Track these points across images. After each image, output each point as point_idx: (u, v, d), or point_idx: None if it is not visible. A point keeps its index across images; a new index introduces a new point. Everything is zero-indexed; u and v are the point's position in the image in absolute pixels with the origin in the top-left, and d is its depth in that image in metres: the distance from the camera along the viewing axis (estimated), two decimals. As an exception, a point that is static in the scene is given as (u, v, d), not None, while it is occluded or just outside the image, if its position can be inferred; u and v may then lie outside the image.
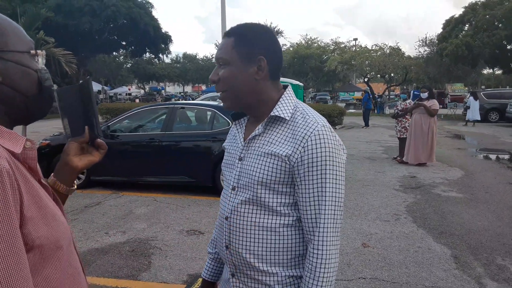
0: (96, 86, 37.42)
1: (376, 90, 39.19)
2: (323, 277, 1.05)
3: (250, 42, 1.13)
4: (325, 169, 1.05)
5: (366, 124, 18.10)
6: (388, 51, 31.49)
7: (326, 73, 36.48)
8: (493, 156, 9.95)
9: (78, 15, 24.62)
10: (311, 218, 1.08)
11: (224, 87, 1.15)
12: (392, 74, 35.83)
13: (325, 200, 1.06)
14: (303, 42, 40.28)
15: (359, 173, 7.58)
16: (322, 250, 1.05)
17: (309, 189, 1.07)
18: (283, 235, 1.12)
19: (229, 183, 1.22)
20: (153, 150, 5.92)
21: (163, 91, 54.32)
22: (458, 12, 29.38)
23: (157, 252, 3.84)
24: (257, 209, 1.14)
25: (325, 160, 1.05)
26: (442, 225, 4.66)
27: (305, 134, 1.07)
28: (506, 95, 20.40)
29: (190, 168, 5.78)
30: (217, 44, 34.90)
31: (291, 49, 39.56)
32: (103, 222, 4.70)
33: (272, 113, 1.13)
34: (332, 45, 37.71)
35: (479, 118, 18.41)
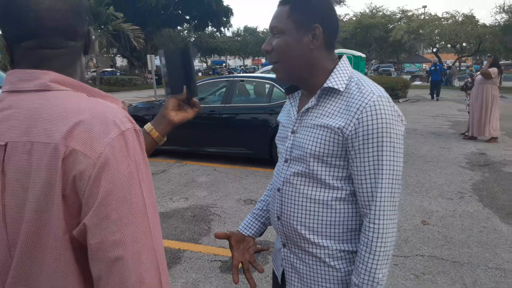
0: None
1: (446, 60, 36.54)
2: (380, 251, 1.02)
3: (306, 10, 1.09)
4: (382, 142, 1.01)
5: (432, 97, 17.14)
6: (460, 19, 29.06)
7: (391, 43, 34.54)
8: None
9: (145, -11, 25.36)
10: (367, 192, 1.04)
11: (277, 57, 1.12)
12: (464, 44, 33.09)
13: (382, 174, 1.02)
14: (367, 11, 38.29)
15: (422, 148, 7.27)
16: (379, 224, 1.02)
17: (364, 162, 1.03)
18: (335, 209, 1.11)
19: (282, 156, 1.22)
20: (214, 122, 6.12)
21: (224, 64, 55.00)
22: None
23: (216, 219, 4.04)
24: (309, 182, 1.13)
25: (382, 132, 1.00)
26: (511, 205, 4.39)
27: (360, 105, 1.02)
28: None
29: (248, 140, 5.91)
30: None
31: (354, 19, 37.87)
32: (168, 189, 5.01)
33: (325, 85, 1.10)
34: (399, 13, 35.52)
35: None
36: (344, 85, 1.10)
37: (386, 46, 37.26)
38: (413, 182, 5.24)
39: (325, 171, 1.10)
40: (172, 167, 6.09)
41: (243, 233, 1.40)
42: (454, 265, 3.11)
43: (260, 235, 1.42)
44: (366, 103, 1.02)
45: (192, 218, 4.07)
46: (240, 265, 1.37)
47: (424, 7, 37.75)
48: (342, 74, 1.12)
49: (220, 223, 3.92)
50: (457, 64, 35.30)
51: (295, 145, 1.15)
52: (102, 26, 9.33)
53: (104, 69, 35.98)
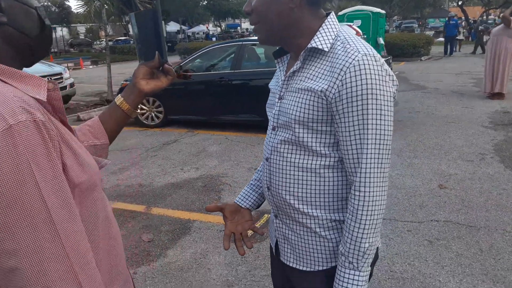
0: (174, 26, 38.23)
1: (472, 14, 34.68)
2: (366, 219, 0.97)
3: None
4: (367, 104, 0.93)
5: (445, 53, 16.57)
6: (490, -34, 27.18)
7: (414, -3, 32.88)
8: None
9: (154, -47, 24.66)
10: (353, 159, 0.98)
11: (257, 18, 1.05)
12: (493, -6, 31.15)
13: (368, 139, 0.94)
14: (388, -37, 36.26)
15: (443, 108, 6.98)
16: (365, 192, 0.97)
17: (349, 127, 0.96)
18: (324, 177, 1.05)
19: (270, 123, 1.17)
20: (223, 89, 5.99)
21: (238, 28, 53.81)
22: None
23: (226, 188, 4.01)
24: (296, 149, 1.07)
25: (367, 94, 0.92)
26: (536, 166, 4.18)
27: (343, 65, 0.94)
28: None
29: (259, 107, 5.76)
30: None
31: (373, -28, 35.98)
32: (179, 159, 4.99)
33: (309, 45, 1.01)
34: (422, -36, 33.52)
35: None
36: (329, 45, 1.00)
37: (407, 1, 35.48)
38: (432, 145, 5.05)
39: (311, 137, 1.03)
40: (183, 136, 6.06)
41: (240, 204, 1.36)
42: (470, 230, 3.00)
43: (258, 207, 1.37)
44: (350, 63, 0.93)
45: (203, 188, 4.05)
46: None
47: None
48: (328, 33, 1.02)
49: (230, 193, 3.89)
50: (484, 17, 33.40)
51: (281, 112, 1.09)
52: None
53: (118, 38, 35.85)
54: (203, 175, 4.39)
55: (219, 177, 4.32)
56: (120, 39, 34.57)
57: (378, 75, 0.93)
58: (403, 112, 6.89)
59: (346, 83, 0.93)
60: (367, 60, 0.93)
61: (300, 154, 1.07)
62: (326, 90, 0.96)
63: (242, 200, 1.37)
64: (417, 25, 36.76)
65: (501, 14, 7.40)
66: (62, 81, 8.89)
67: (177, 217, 3.43)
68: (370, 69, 0.92)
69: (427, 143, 5.13)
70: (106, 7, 10.57)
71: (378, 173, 0.97)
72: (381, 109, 0.94)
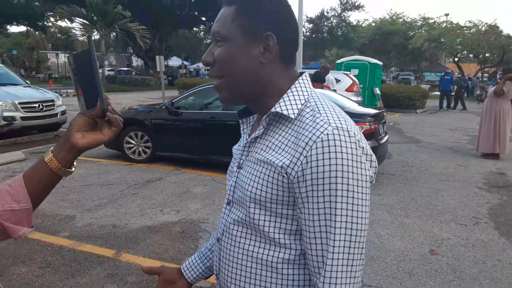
0: (176, 61, 38.90)
1: (468, 70, 35.68)
2: None
3: (256, 13, 0.84)
4: (335, 189, 0.75)
5: (440, 107, 16.90)
6: (483, 29, 28.29)
7: (411, 51, 33.91)
8: None
9: (160, -10, 25.49)
10: (316, 256, 0.78)
11: (220, 71, 0.88)
12: (487, 54, 32.22)
13: (335, 233, 0.76)
14: (387, 17, 37.75)
15: (437, 165, 6.86)
16: None
17: (312, 215, 0.77)
18: (282, 274, 0.85)
19: (226, 196, 0.98)
20: (214, 129, 5.86)
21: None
22: None
23: (205, 236, 3.76)
24: (251, 234, 0.88)
25: (335, 177, 0.75)
26: (532, 236, 3.98)
27: (310, 139, 0.77)
28: None
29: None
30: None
31: (373, 24, 37.32)
32: (160, 199, 4.75)
33: (273, 109, 0.85)
34: (420, 20, 34.90)
35: None
36: (296, 111, 0.84)
37: (406, 53, 36.60)
38: (425, 203, 4.87)
39: (269, 221, 0.84)
40: (169, 174, 5.84)
41: (184, 273, 1.13)
42: (462, 307, 2.76)
43: (205, 278, 1.14)
44: (318, 137, 0.76)
45: (180, 234, 3.79)
46: None
47: (446, 15, 37.00)
48: (297, 97, 0.86)
49: (208, 241, 3.63)
50: (479, 74, 34.39)
51: (238, 184, 0.91)
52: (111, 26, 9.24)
53: (120, 69, 36.31)
54: (183, 219, 4.14)
55: (199, 222, 4.08)
56: (122, 70, 35.04)
57: (351, 154, 0.76)
58: (396, 165, 6.76)
59: (311, 161, 0.76)
60: (338, 135, 0.76)
61: (255, 241, 0.87)
62: (288, 166, 0.79)
63: (187, 269, 1.13)
64: (413, 78, 37.67)
65: (495, 90, 7.46)
66: (53, 108, 8.76)
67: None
68: (341, 146, 0.75)
69: (420, 201, 4.95)
70: (107, 39, 10.66)
71: (347, 276, 0.77)
72: (352, 197, 0.76)
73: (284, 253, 0.84)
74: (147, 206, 4.52)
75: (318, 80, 8.41)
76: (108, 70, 34.35)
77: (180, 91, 18.29)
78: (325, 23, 35.11)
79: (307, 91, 0.88)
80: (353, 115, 5.55)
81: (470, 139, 9.61)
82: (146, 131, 6.36)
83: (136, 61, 44.38)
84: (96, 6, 7.91)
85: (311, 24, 35.07)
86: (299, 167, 0.77)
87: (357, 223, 0.76)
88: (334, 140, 0.75)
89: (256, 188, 0.84)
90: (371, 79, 14.49)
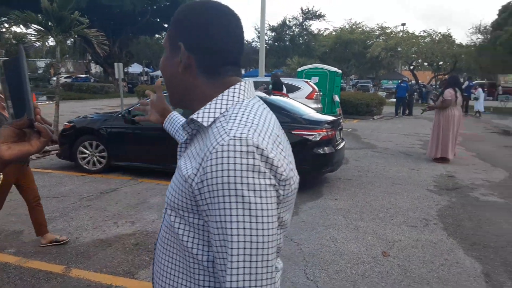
0: (137, 68, 38.19)
1: (423, 78, 37.31)
2: None
3: (174, 24, 0.91)
4: (229, 202, 0.74)
5: (396, 113, 17.65)
6: (437, 38, 29.74)
7: (369, 59, 35.04)
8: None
9: (121, -4, 24.97)
10: (221, 270, 0.77)
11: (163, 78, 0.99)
12: (440, 63, 33.87)
13: (232, 247, 0.74)
14: (346, 26, 38.86)
15: (391, 169, 7.10)
16: None
17: (213, 227, 0.77)
18: (199, 285, 0.84)
19: None
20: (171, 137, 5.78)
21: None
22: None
23: (160, 248, 3.69)
24: (174, 242, 0.88)
25: (228, 189, 0.73)
26: (476, 234, 4.19)
27: (208, 150, 0.77)
28: None
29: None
30: (256, 27, 34.44)
31: (333, 33, 38.32)
32: (115, 211, 4.62)
33: (190, 116, 0.87)
34: (378, 30, 36.17)
35: (483, 110, 18.99)
36: (211, 119, 0.84)
37: (364, 61, 37.77)
38: (378, 207, 5.02)
39: (184, 230, 0.84)
40: (125, 185, 5.70)
41: None
42: (411, 307, 2.85)
43: None
44: (214, 147, 0.76)
45: (134, 246, 3.70)
46: None
47: (403, 24, 38.65)
48: (218, 105, 0.87)
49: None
50: (433, 82, 36.02)
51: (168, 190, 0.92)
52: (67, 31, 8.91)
53: (78, 75, 35.19)
54: (138, 231, 4.04)
55: (155, 233, 3.99)
56: (80, 77, 33.96)
57: (246, 164, 0.74)
58: (352, 170, 6.94)
59: (206, 173, 0.75)
60: (234, 145, 0.75)
61: (177, 249, 0.88)
62: (189, 176, 0.79)
63: None
64: (372, 85, 38.93)
65: (436, 105, 7.97)
66: None
67: (98, 282, 3.05)
68: (235, 157, 0.74)
69: (374, 204, 5.10)
70: (62, 45, 10.31)
71: (250, 285, 0.75)
72: (249, 208, 0.74)
73: (201, 263, 0.84)
74: (100, 218, 4.38)
75: (277, 88, 8.50)
76: (65, 77, 33.17)
77: (140, 99, 17.92)
78: (287, 32, 35.69)
79: (232, 100, 0.87)
80: (311, 122, 5.67)
81: (422, 144, 10.03)
82: (101, 140, 6.18)
83: (95, 68, 43.16)
84: (52, 12, 7.61)
85: (274, 33, 35.53)
86: (198, 178, 0.77)
87: (256, 235, 0.74)
88: (228, 151, 0.74)
89: (172, 195, 0.85)
90: (330, 87, 14.85)
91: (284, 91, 9.75)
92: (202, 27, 0.87)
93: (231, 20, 0.90)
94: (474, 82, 24.71)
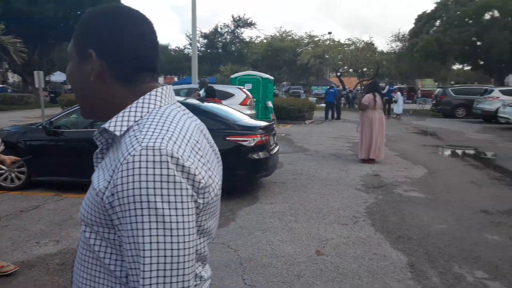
0: (60, 76, 35.97)
1: (349, 84, 39.44)
2: None
3: (83, 30, 0.87)
4: (141, 215, 0.70)
5: (326, 117, 18.55)
6: (361, 46, 31.66)
7: (300, 66, 36.37)
8: (457, 153, 10.00)
9: (42, 1, 23.39)
10: (133, 281, 0.73)
11: (71, 86, 0.97)
12: (364, 69, 36.10)
13: (144, 263, 0.70)
14: (277, 34, 39.99)
15: (323, 171, 7.38)
16: None
17: (125, 243, 0.74)
18: None
19: None
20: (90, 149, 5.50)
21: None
22: (431, 7, 30.13)
23: (89, 265, 3.47)
24: (88, 257, 0.84)
25: (140, 202, 0.70)
26: (401, 228, 4.49)
27: (119, 161, 0.74)
28: (473, 91, 20.77)
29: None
30: (188, 34, 34.20)
31: (265, 41, 39.22)
32: (37, 230, 4.27)
33: (102, 125, 0.83)
34: (306, 38, 37.67)
35: (401, 112, 20.56)
36: (125, 128, 0.81)
37: (295, 68, 39.12)
38: (312, 208, 5.18)
39: (99, 245, 0.81)
40: (48, 201, 5.29)
41: None
42: (344, 302, 2.96)
43: None
44: (125, 158, 0.73)
45: (59, 266, 3.44)
46: None
47: (330, 33, 40.59)
48: (132, 113, 0.83)
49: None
50: (358, 87, 38.20)
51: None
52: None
53: (-7, 85, 32.35)
54: (63, 250, 3.77)
55: (83, 251, 3.75)
56: (-6, 86, 31.17)
57: (160, 175, 0.71)
58: (287, 174, 7.10)
59: (117, 186, 0.72)
60: (146, 155, 0.71)
61: (93, 264, 0.83)
62: (100, 190, 0.75)
63: None
64: (303, 91, 40.37)
65: (359, 106, 8.54)
66: None
67: (18, 308, 2.79)
68: (147, 167, 0.71)
69: (307, 206, 5.25)
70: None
71: None
72: (163, 221, 0.71)
73: (117, 279, 0.81)
74: (20, 239, 4.02)
75: (210, 95, 8.49)
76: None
77: (63, 109, 16.88)
78: (220, 39, 35.88)
79: (148, 107, 0.84)
80: (245, 128, 5.71)
81: (350, 146, 10.57)
82: (20, 154, 5.69)
83: (13, 77, 39.89)
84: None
85: (206, 40, 35.52)
86: (109, 191, 0.74)
87: (171, 249, 0.71)
88: (140, 161, 0.71)
89: (86, 210, 0.81)
90: (264, 93, 15.13)
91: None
92: (114, 33, 0.84)
93: (145, 26, 0.88)
94: (394, 86, 26.59)
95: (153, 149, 0.72)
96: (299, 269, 3.46)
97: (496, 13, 25.34)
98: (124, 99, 0.86)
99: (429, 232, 4.39)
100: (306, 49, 34.87)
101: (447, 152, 10.20)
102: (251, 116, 7.63)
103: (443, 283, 3.26)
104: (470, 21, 25.54)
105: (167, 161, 0.73)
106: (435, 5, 28.13)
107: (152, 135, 0.75)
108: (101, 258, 0.80)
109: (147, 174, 0.71)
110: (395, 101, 20.68)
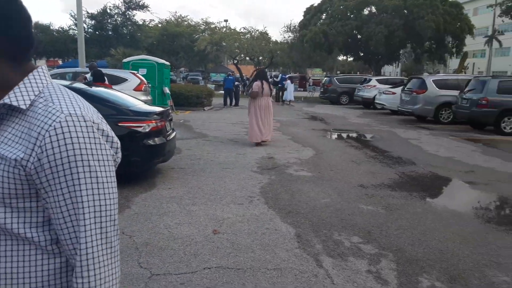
0: None
1: (246, 72, 40.40)
2: None
3: None
4: (77, 173, 0.81)
5: (224, 104, 18.86)
6: (255, 35, 32.56)
7: (197, 53, 36.05)
8: (341, 136, 11.06)
9: None
10: (70, 239, 0.83)
11: None
12: (260, 58, 37.27)
13: (84, 213, 0.82)
14: (172, 19, 38.93)
15: (220, 155, 7.57)
16: (89, 276, 0.82)
17: (59, 201, 0.81)
18: (36, 266, 0.85)
19: None
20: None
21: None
22: (318, 0, 32.25)
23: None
24: None
25: (75, 161, 0.81)
26: (291, 204, 4.88)
27: (42, 128, 0.81)
28: (355, 80, 23.01)
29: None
30: (72, 14, 31.45)
31: (159, 25, 37.91)
32: None
33: (1, 101, 0.85)
34: (203, 24, 37.41)
35: (293, 99, 22.14)
36: (28, 102, 0.85)
37: (193, 55, 38.66)
38: (210, 191, 5.31)
39: (10, 217, 0.84)
40: None
41: None
42: (238, 273, 3.16)
43: None
44: (50, 125, 0.80)
45: None
46: None
47: (226, 21, 40.85)
48: (29, 88, 0.87)
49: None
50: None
51: None
52: None
53: None
54: None
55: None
56: None
57: (88, 137, 0.83)
58: (185, 159, 7.13)
59: (46, 150, 0.79)
60: (72, 121, 0.81)
61: (2, 241, 0.85)
62: (22, 159, 0.80)
63: None
64: (201, 78, 40.20)
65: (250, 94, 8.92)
66: None
67: None
68: (76, 131, 0.81)
69: (205, 189, 5.38)
70: None
71: (104, 251, 0.84)
72: (96, 176, 0.83)
73: (35, 246, 0.85)
74: None
75: (98, 79, 8.04)
76: None
77: None
78: (109, 21, 33.63)
79: (42, 83, 0.89)
80: (139, 114, 5.58)
81: (247, 131, 10.93)
82: None
83: None
84: None
85: (93, 21, 32.98)
86: (34, 158, 0.80)
87: (105, 199, 0.85)
88: (68, 126, 0.80)
89: None
90: (160, 79, 14.73)
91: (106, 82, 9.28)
92: (7, 12, 0.85)
93: (23, 5, 0.90)
94: (287, 75, 28.04)
95: (77, 115, 0.82)
96: (196, 249, 3.57)
97: (374, 9, 28.22)
98: (12, 77, 0.88)
99: (314, 206, 4.85)
100: (203, 36, 34.64)
101: (333, 135, 11.22)
102: (146, 102, 7.42)
103: (324, 249, 3.67)
104: (352, 16, 28.05)
105: (92, 126, 0.84)
106: (321, -1, 30.23)
107: (67, 105, 0.84)
108: (9, 229, 0.83)
109: (77, 137, 0.81)
110: (285, 89, 21.88)
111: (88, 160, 0.82)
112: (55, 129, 0.80)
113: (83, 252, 0.82)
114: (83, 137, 0.82)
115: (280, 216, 4.47)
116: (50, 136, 0.79)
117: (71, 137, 0.80)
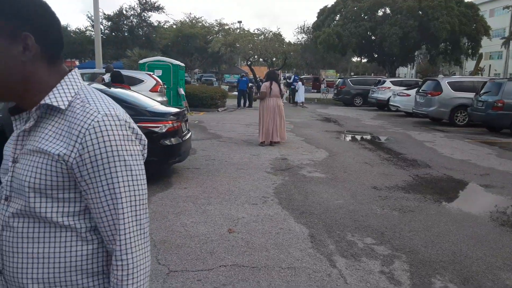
0: None
1: (260, 73, 40.50)
2: None
3: (11, 13, 0.91)
4: (115, 167, 0.92)
5: (238, 105, 18.96)
6: (269, 36, 32.62)
7: (211, 54, 36.27)
8: (354, 138, 11.05)
9: None
10: (109, 226, 0.93)
11: None
12: (273, 59, 37.31)
13: (122, 203, 0.93)
14: (187, 20, 39.22)
15: (235, 156, 7.66)
16: (127, 259, 0.93)
17: (99, 193, 0.92)
18: (71, 252, 0.95)
19: (2, 193, 1.01)
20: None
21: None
22: (332, 2, 32.32)
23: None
24: (34, 223, 0.95)
25: (113, 156, 0.91)
26: (304, 205, 4.94)
27: (82, 127, 0.91)
28: (369, 82, 22.89)
29: None
30: (89, 15, 31.97)
31: (174, 27, 38.25)
32: None
33: (42, 101, 0.94)
34: (217, 26, 37.61)
35: (303, 100, 21.70)
36: (66, 102, 0.95)
37: (207, 56, 38.90)
38: (224, 191, 5.41)
39: (51, 207, 0.93)
40: None
41: None
42: (252, 271, 3.24)
43: None
44: (89, 124, 0.90)
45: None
46: None
47: (239, 22, 41.01)
48: (66, 90, 0.97)
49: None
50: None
51: (15, 178, 0.96)
52: None
53: None
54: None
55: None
56: None
57: (122, 135, 0.93)
58: (200, 160, 7.25)
59: (87, 147, 0.89)
60: (108, 120, 0.92)
61: (39, 228, 0.94)
62: (65, 154, 0.90)
63: None
64: (215, 79, 40.44)
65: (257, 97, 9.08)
66: None
67: None
68: (112, 129, 0.91)
69: (220, 189, 5.47)
70: None
71: (139, 236, 0.95)
72: (131, 170, 0.94)
73: (71, 233, 0.95)
74: None
75: (117, 80, 8.22)
76: None
77: None
78: (125, 22, 34.07)
79: (76, 85, 0.99)
80: (156, 114, 5.71)
81: (261, 132, 11.04)
82: None
83: None
84: None
85: (110, 22, 33.44)
86: (76, 153, 0.90)
87: (139, 190, 0.95)
88: (105, 125, 0.91)
89: (35, 178, 0.91)
90: (175, 80, 14.93)
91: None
92: (47, 17, 0.95)
93: (53, 10, 1.00)
94: (300, 77, 28.04)
95: (112, 115, 0.93)
96: (212, 247, 3.67)
97: (388, 10, 28.03)
98: (49, 78, 0.97)
99: (327, 207, 4.91)
100: (216, 37, 34.84)
101: (346, 137, 11.22)
102: (162, 103, 7.57)
103: (338, 249, 3.73)
104: (366, 17, 27.89)
105: (124, 124, 0.94)
106: (335, 0, 30.11)
107: (102, 106, 0.94)
108: (49, 218, 0.93)
109: (113, 135, 0.91)
110: (297, 90, 21.86)
111: (124, 156, 0.92)
112: (94, 127, 0.90)
113: (122, 237, 0.92)
114: (119, 135, 0.92)
115: (294, 216, 4.54)
116: (90, 134, 0.89)
117: (108, 135, 0.90)
